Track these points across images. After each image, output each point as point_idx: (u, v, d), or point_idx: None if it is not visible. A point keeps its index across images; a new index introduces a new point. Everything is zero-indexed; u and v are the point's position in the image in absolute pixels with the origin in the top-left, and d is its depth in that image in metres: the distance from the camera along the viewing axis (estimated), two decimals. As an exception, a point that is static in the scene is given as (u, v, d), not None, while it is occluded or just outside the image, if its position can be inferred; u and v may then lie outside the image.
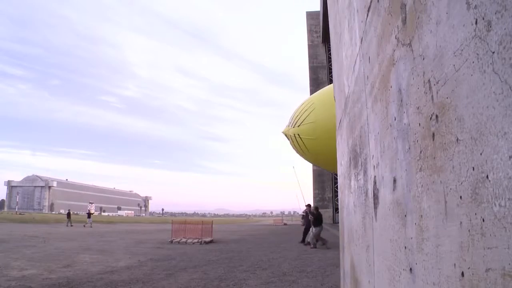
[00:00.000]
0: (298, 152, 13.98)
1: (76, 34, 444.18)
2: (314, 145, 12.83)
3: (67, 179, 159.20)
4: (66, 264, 8.39)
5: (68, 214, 33.41)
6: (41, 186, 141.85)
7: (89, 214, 32.95)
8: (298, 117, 13.12)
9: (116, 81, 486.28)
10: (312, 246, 12.24)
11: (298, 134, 12.92)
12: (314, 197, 40.83)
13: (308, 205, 14.87)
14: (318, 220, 12.77)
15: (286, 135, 13.84)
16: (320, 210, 13.72)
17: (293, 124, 13.27)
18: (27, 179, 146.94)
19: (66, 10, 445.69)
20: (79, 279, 6.58)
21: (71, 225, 29.96)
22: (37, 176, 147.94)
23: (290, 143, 13.94)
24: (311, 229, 13.11)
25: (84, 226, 30.33)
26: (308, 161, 14.71)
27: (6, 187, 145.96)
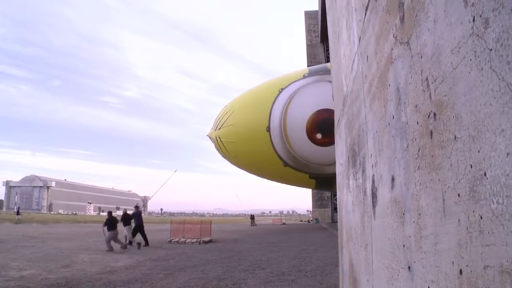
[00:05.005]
0: (221, 154, 13.92)
1: (77, 34, 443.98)
2: (234, 148, 12.82)
3: (65, 179, 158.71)
4: (65, 264, 8.37)
5: None
6: (40, 186, 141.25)
7: (18, 212, 36.94)
8: (220, 119, 13.11)
9: (117, 82, 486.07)
10: (108, 249, 11.56)
11: (219, 137, 12.91)
12: (313, 197, 40.86)
13: (136, 207, 14.49)
14: (110, 224, 12.24)
15: (210, 138, 13.77)
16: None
17: (216, 127, 13.25)
18: (25, 179, 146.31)
19: (67, 10, 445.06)
20: (78, 279, 6.57)
21: None
22: (35, 176, 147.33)
23: (214, 146, 13.87)
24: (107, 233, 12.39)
25: (16, 223, 31.81)
26: (232, 164, 14.63)
27: (5, 187, 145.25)
